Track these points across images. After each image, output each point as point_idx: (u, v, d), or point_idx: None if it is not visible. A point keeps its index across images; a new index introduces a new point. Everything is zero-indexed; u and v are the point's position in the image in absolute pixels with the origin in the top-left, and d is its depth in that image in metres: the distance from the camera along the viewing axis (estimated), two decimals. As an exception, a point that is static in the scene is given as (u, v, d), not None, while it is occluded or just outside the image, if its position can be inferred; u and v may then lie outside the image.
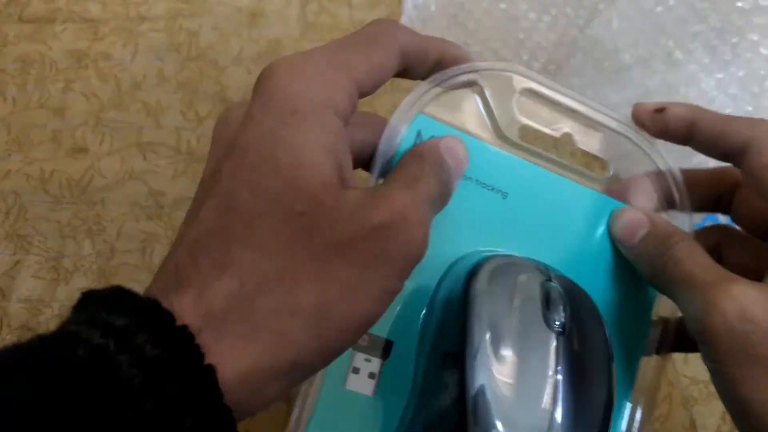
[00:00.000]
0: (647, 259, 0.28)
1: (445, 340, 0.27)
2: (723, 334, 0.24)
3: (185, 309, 0.21)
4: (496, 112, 0.29)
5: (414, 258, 0.23)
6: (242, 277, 0.21)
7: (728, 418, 0.38)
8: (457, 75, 0.29)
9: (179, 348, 0.20)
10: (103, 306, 0.20)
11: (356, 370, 0.27)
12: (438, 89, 0.28)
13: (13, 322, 0.40)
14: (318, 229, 0.22)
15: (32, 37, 0.50)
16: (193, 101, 0.48)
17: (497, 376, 0.23)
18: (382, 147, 0.27)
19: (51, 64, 0.49)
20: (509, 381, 0.24)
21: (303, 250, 0.22)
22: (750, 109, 0.44)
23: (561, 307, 0.25)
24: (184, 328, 0.20)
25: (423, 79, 0.28)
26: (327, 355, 0.22)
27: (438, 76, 0.28)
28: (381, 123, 0.28)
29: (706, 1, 0.45)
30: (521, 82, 0.30)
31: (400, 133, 0.28)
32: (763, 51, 0.44)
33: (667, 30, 0.45)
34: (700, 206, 0.31)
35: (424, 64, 0.28)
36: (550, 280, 0.26)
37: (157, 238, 0.43)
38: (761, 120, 0.28)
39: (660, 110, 0.30)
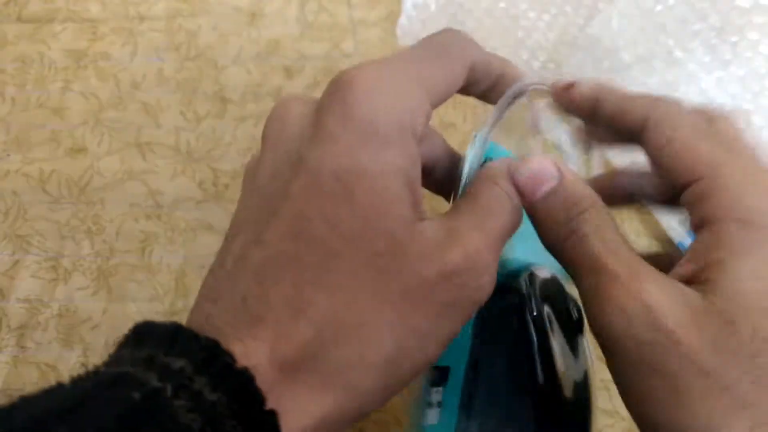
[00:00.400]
0: (548, 224, 0.24)
1: (508, 354, 0.27)
2: (627, 343, 0.21)
3: (259, 354, 0.20)
4: (535, 126, 0.29)
5: (479, 303, 0.22)
6: (319, 324, 0.20)
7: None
8: (524, 91, 0.28)
9: (239, 391, 0.19)
10: (159, 345, 0.20)
11: (430, 405, 0.27)
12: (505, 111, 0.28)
13: (12, 322, 0.40)
14: (394, 273, 0.21)
15: (31, 36, 0.50)
16: (193, 101, 0.48)
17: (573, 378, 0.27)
18: (464, 171, 0.26)
19: (50, 64, 0.49)
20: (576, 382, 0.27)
21: (379, 296, 0.21)
22: (750, 107, 0.44)
23: (578, 314, 0.28)
24: (245, 370, 0.19)
25: (479, 96, 0.27)
26: (386, 402, 0.21)
27: (509, 95, 0.27)
28: (440, 139, 0.28)
29: (706, 0, 0.45)
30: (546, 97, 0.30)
31: (480, 156, 0.27)
32: (762, 50, 0.44)
33: (667, 29, 0.45)
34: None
35: (486, 81, 0.27)
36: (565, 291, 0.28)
37: (156, 238, 0.42)
38: (660, 98, 0.25)
39: (568, 87, 0.27)
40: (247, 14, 0.52)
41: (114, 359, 0.20)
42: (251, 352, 0.20)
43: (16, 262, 0.42)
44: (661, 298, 0.21)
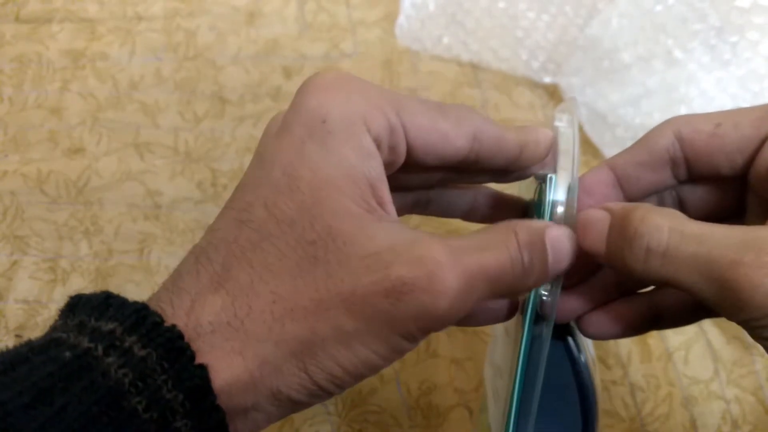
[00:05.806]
0: (623, 263, 0.22)
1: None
2: None
3: (178, 316, 0.21)
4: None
5: (431, 324, 0.21)
6: (235, 296, 0.21)
7: (728, 417, 0.38)
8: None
9: (169, 347, 0.20)
10: (91, 313, 0.21)
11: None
12: None
13: (10, 323, 0.40)
14: (323, 263, 0.21)
15: (29, 36, 0.50)
16: (191, 101, 0.47)
17: None
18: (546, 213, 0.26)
19: (48, 64, 0.49)
20: None
21: (301, 280, 0.21)
22: (750, 108, 0.44)
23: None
24: (173, 327, 0.20)
25: (503, 170, 0.25)
26: (315, 394, 0.21)
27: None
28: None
29: (706, 1, 0.45)
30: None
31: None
32: (762, 50, 0.44)
33: (667, 29, 0.45)
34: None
35: (501, 155, 0.24)
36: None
37: (155, 239, 0.42)
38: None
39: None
40: (245, 14, 0.52)
41: (48, 330, 0.21)
42: (169, 317, 0.21)
43: (14, 262, 0.41)
44: None
